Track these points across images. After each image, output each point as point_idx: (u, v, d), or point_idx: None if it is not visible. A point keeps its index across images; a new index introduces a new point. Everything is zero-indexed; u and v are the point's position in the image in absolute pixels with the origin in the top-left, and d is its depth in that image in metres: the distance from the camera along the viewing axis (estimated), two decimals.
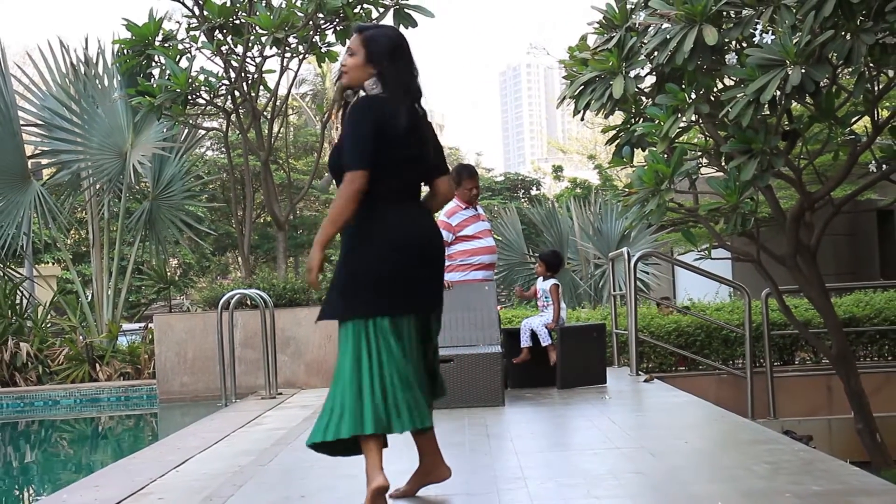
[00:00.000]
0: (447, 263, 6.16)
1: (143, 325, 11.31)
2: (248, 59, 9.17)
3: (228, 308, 7.05)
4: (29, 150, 11.58)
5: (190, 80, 8.60)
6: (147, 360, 9.83)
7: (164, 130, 11.13)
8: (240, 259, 13.87)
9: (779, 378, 7.83)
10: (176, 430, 5.87)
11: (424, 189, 3.40)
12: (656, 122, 5.11)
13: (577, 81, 5.53)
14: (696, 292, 10.78)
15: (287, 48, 8.94)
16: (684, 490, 3.31)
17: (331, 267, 3.82)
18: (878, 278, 13.29)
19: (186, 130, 11.62)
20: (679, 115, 5.03)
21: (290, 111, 22.38)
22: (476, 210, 6.67)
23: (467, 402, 5.64)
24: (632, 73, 5.31)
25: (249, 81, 9.34)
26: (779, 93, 4.58)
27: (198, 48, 9.07)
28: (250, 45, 9.00)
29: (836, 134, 5.52)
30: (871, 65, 5.05)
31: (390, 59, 3.20)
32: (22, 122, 11.24)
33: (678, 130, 5.15)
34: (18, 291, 10.78)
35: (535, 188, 28.73)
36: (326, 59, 9.38)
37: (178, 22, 10.69)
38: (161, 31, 9.06)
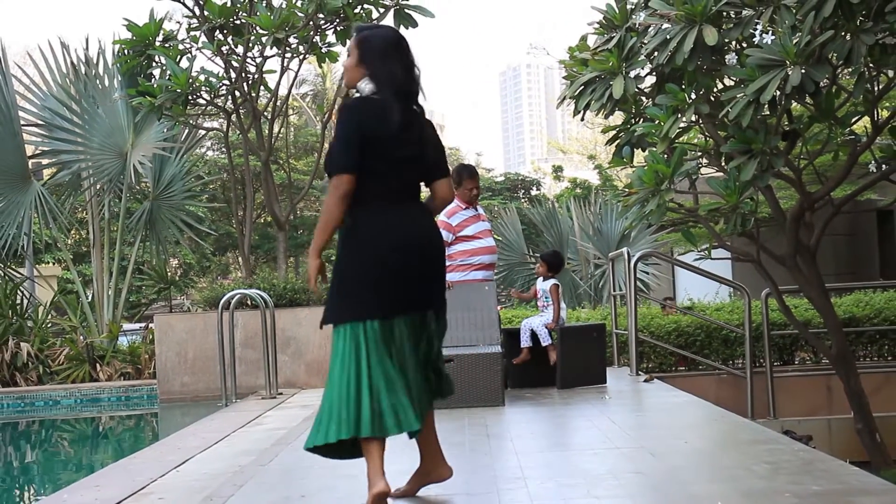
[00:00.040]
0: (447, 263, 6.17)
1: (143, 325, 11.32)
2: (248, 60, 9.18)
3: (229, 308, 7.06)
4: (29, 150, 11.59)
5: (190, 81, 8.61)
6: (147, 360, 9.83)
7: (165, 130, 11.13)
8: (240, 259, 13.88)
9: (779, 378, 7.83)
10: (176, 430, 5.87)
11: (425, 191, 3.40)
12: (656, 122, 5.11)
13: (577, 82, 5.53)
14: (696, 292, 10.78)
15: (287, 48, 8.95)
16: (684, 490, 3.32)
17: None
18: (878, 278, 13.30)
19: (187, 130, 11.63)
20: (679, 116, 5.04)
21: (290, 111, 22.38)
22: (476, 210, 6.67)
23: (467, 402, 5.64)
24: (632, 74, 5.32)
25: (250, 82, 9.35)
26: (779, 93, 4.58)
27: (198, 48, 9.08)
28: (251, 45, 9.01)
29: (835, 134, 5.53)
30: (871, 65, 5.05)
31: (382, 58, 3.18)
32: (22, 122, 11.25)
33: (678, 131, 5.16)
34: (19, 291, 10.78)
35: (535, 188, 28.74)
36: (327, 59, 9.39)
37: (178, 22, 10.75)
38: (162, 32, 9.07)
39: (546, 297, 6.72)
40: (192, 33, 9.04)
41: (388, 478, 3.04)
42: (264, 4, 8.87)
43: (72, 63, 11.07)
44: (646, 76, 5.56)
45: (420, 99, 3.29)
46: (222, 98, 9.33)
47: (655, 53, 5.06)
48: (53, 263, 17.66)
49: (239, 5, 8.93)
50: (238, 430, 5.45)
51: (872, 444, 6.14)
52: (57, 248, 15.30)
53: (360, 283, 3.12)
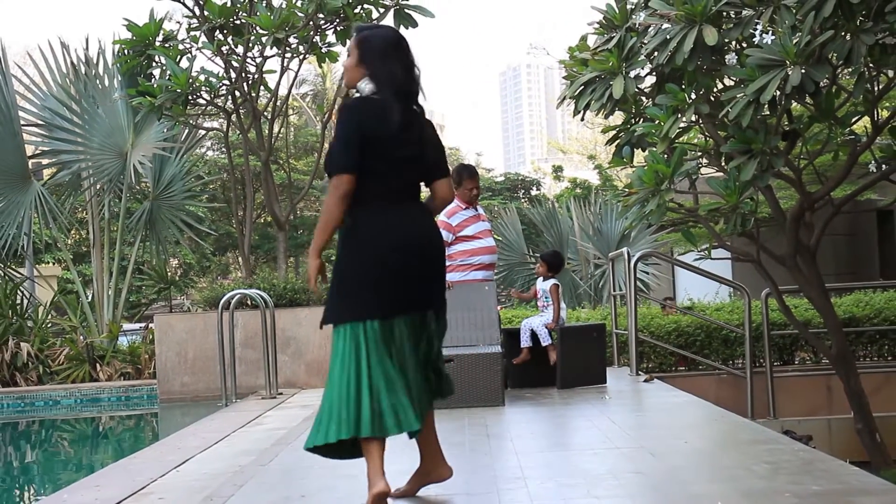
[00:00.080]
0: (447, 263, 6.17)
1: (143, 325, 11.32)
2: (248, 60, 9.18)
3: (229, 308, 7.06)
4: (29, 150, 11.59)
5: (190, 81, 8.61)
6: (147, 360, 9.83)
7: (165, 130, 11.14)
8: (240, 259, 13.88)
9: (779, 378, 7.84)
10: (176, 430, 5.87)
11: (425, 191, 3.40)
12: (656, 122, 5.11)
13: (577, 82, 5.53)
14: (696, 292, 10.78)
15: (287, 48, 8.95)
16: (684, 490, 3.32)
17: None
18: (878, 278, 13.30)
19: (187, 130, 11.63)
20: (679, 116, 5.04)
21: (290, 111, 22.39)
22: (476, 210, 6.67)
23: (467, 402, 5.64)
24: (632, 74, 5.32)
25: (250, 82, 9.35)
26: (779, 93, 4.58)
27: (198, 48, 9.09)
28: (251, 45, 9.01)
29: (835, 134, 5.53)
30: (871, 65, 5.05)
31: (382, 59, 3.18)
32: (22, 122, 11.25)
33: (678, 131, 5.16)
34: (19, 291, 10.78)
35: (535, 188, 28.76)
36: (327, 59, 9.39)
37: (178, 22, 10.75)
38: (162, 32, 9.07)
39: (546, 297, 6.72)
40: (192, 33, 9.05)
41: (388, 478, 3.04)
42: (264, 4, 8.87)
43: (72, 63, 11.07)
44: (646, 76, 5.56)
45: (420, 99, 3.27)
46: (222, 98, 9.33)
47: (655, 53, 5.06)
48: (53, 263, 17.67)
49: (239, 5, 8.93)
50: (238, 430, 5.45)
51: (872, 444, 6.14)
52: (57, 248, 15.30)
53: (360, 284, 3.11)
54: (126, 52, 9.23)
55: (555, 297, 6.66)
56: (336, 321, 3.13)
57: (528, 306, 10.47)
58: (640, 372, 7.27)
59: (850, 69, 4.92)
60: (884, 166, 5.67)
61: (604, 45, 5.48)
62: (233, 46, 9.13)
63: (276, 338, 7.28)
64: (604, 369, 6.73)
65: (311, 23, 8.65)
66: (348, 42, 3.47)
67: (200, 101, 9.19)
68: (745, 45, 5.10)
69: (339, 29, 8.95)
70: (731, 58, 5.33)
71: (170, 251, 13.81)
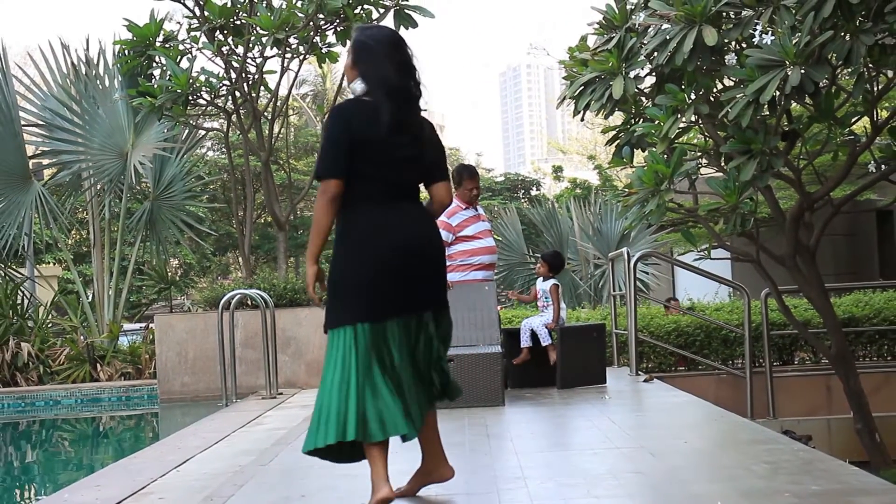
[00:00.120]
0: (447, 263, 6.17)
1: (143, 325, 11.33)
2: (248, 60, 9.19)
3: (229, 308, 7.06)
4: (30, 150, 11.60)
5: (191, 81, 8.62)
6: (148, 360, 9.84)
7: (165, 131, 11.14)
8: (240, 259, 13.89)
9: (778, 378, 7.84)
10: (176, 429, 5.88)
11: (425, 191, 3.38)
12: (656, 122, 5.12)
13: (577, 82, 5.53)
14: (696, 292, 10.79)
15: (287, 49, 8.96)
16: (684, 490, 3.32)
17: None
18: (878, 278, 13.31)
19: (187, 131, 11.63)
20: (679, 116, 5.04)
21: (290, 112, 22.40)
22: (476, 210, 6.68)
23: (467, 402, 5.64)
24: (631, 74, 5.32)
25: (250, 82, 9.36)
26: (778, 93, 4.59)
27: (198, 49, 9.09)
28: (251, 45, 9.02)
29: (835, 134, 5.53)
30: (871, 65, 5.06)
31: (373, 59, 3.15)
32: (23, 123, 11.26)
33: (678, 131, 5.16)
34: (19, 291, 10.79)
35: (535, 188, 28.79)
36: (327, 59, 9.40)
37: (178, 23, 10.77)
38: (162, 32, 9.08)
39: (546, 298, 6.73)
40: (193, 34, 9.05)
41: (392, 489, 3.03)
42: (264, 5, 8.88)
43: (72, 63, 11.08)
44: (645, 76, 5.57)
45: (421, 98, 3.23)
46: (222, 98, 9.34)
47: (655, 54, 5.06)
48: (54, 263, 17.67)
49: (239, 6, 8.94)
50: (238, 429, 5.45)
51: (872, 443, 6.14)
52: (57, 248, 15.31)
53: (351, 287, 3.09)
54: (126, 52, 9.24)
55: (555, 297, 6.66)
56: (329, 325, 3.12)
57: (529, 306, 10.48)
58: (639, 372, 7.27)
59: (849, 69, 4.92)
60: (883, 166, 5.67)
61: (604, 46, 5.48)
62: (233, 47, 9.14)
63: (276, 338, 7.29)
64: (604, 369, 6.74)
65: (311, 23, 8.65)
66: (348, 42, 3.47)
67: (201, 101, 9.19)
68: (744, 45, 5.11)
69: (339, 29, 8.96)
70: (730, 58, 5.34)
71: (170, 251, 13.82)
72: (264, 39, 8.72)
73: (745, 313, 7.73)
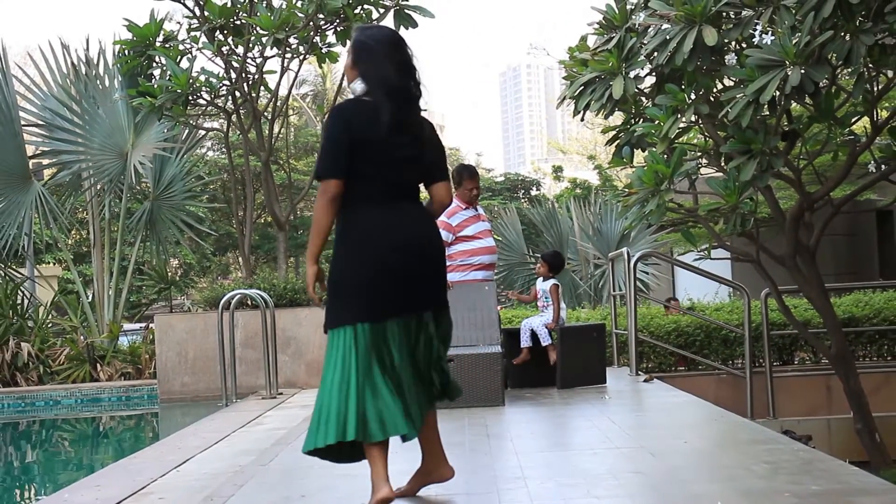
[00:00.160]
0: (447, 263, 6.17)
1: (143, 325, 11.33)
2: (248, 60, 9.19)
3: (229, 308, 7.06)
4: (30, 150, 11.60)
5: (191, 81, 8.62)
6: (148, 360, 9.84)
7: (165, 131, 11.15)
8: (240, 259, 13.89)
9: (778, 378, 7.84)
10: (176, 429, 5.88)
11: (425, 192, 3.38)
12: (656, 122, 5.12)
13: (577, 82, 5.53)
14: (696, 292, 10.79)
15: (287, 49, 8.96)
16: (684, 490, 3.32)
17: None
18: (878, 278, 13.31)
19: (187, 131, 11.64)
20: (679, 116, 5.04)
21: (290, 112, 22.40)
22: (476, 210, 6.68)
23: (467, 402, 5.64)
24: (631, 74, 5.32)
25: (250, 82, 9.36)
26: (778, 93, 4.59)
27: (198, 49, 9.10)
28: (251, 45, 9.02)
29: (835, 134, 5.53)
30: (871, 65, 5.06)
31: (373, 59, 3.15)
32: (23, 123, 11.26)
33: (678, 131, 5.16)
34: (19, 291, 10.79)
35: (535, 188, 28.80)
36: (327, 59, 9.40)
37: (178, 23, 10.77)
38: (162, 32, 9.09)
39: (546, 298, 6.73)
40: (193, 34, 9.05)
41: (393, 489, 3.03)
42: (264, 5, 8.88)
43: (72, 63, 11.08)
44: (645, 76, 5.57)
45: (421, 98, 3.22)
46: (222, 98, 9.34)
47: (655, 54, 5.06)
48: (54, 263, 17.68)
49: (239, 6, 8.94)
50: (238, 429, 5.45)
51: (872, 443, 6.14)
52: (57, 248, 15.31)
53: (350, 287, 3.09)
54: (126, 52, 9.24)
55: (555, 297, 6.67)
56: (329, 325, 3.12)
57: (529, 306, 10.48)
58: (639, 372, 7.27)
59: (849, 69, 4.92)
60: (883, 166, 5.67)
61: (603, 46, 5.48)
62: (233, 47, 9.14)
63: (276, 338, 7.29)
64: (603, 369, 6.74)
65: (311, 23, 8.65)
66: (348, 42, 3.47)
67: (201, 101, 9.20)
68: (744, 45, 5.11)
69: (339, 29, 8.96)
70: (730, 58, 5.34)
71: (170, 251, 13.82)
72: (264, 39, 8.73)
73: (745, 313, 7.73)
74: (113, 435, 8.41)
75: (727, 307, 8.86)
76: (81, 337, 10.55)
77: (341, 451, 3.11)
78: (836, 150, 5.71)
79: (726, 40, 4.93)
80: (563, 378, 6.50)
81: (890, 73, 5.36)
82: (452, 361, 5.63)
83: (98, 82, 11.16)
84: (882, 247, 14.73)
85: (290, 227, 11.14)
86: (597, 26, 5.65)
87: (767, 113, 4.93)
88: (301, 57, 9.28)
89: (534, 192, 28.13)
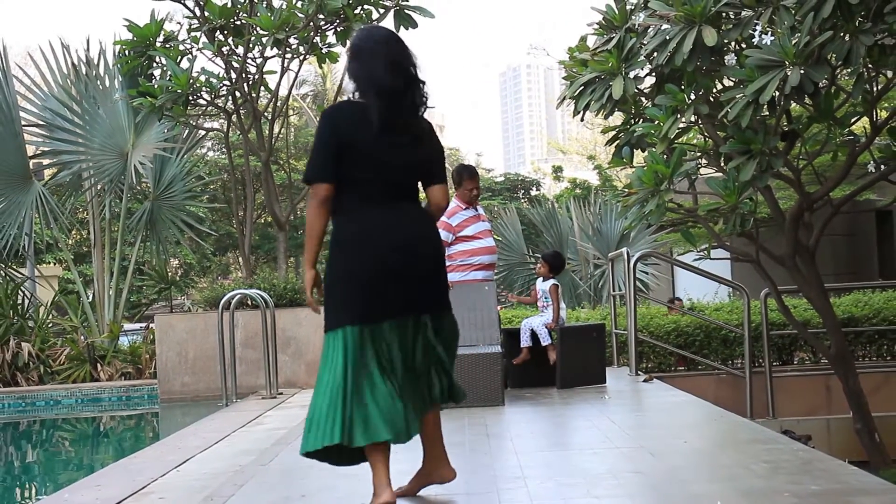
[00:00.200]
0: (447, 264, 6.18)
1: (144, 325, 11.33)
2: (248, 60, 9.19)
3: (229, 308, 7.07)
4: (30, 150, 11.61)
5: (191, 81, 8.63)
6: (148, 360, 9.85)
7: (165, 131, 11.15)
8: (240, 259, 13.89)
9: (778, 378, 7.85)
10: (177, 429, 5.88)
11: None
12: (656, 122, 5.12)
13: (576, 82, 5.54)
14: (696, 292, 10.80)
15: (288, 49, 8.97)
16: (684, 489, 3.33)
17: None
18: (877, 278, 13.32)
19: (187, 131, 11.64)
20: (678, 116, 5.05)
21: (290, 112, 22.40)
22: (476, 210, 6.68)
23: (467, 402, 5.61)
24: (631, 74, 5.32)
25: (250, 82, 9.36)
26: (778, 93, 4.59)
27: (199, 49, 9.10)
28: (251, 45, 9.02)
29: (834, 134, 5.54)
30: (870, 66, 5.06)
31: (362, 59, 3.12)
32: (23, 123, 11.26)
33: (677, 131, 5.17)
34: (20, 291, 10.79)
35: (534, 189, 28.80)
36: (327, 59, 9.40)
37: (179, 23, 10.76)
38: (162, 32, 9.09)
39: (546, 298, 6.73)
40: (193, 34, 9.06)
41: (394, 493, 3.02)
42: (265, 5, 8.89)
43: (73, 64, 11.08)
44: (645, 77, 5.57)
45: (419, 98, 3.16)
46: (223, 98, 9.35)
47: (655, 54, 5.07)
48: (54, 263, 17.69)
49: (239, 6, 8.95)
50: (238, 429, 5.46)
51: (871, 443, 6.15)
52: (58, 248, 15.32)
53: (345, 289, 3.07)
54: (127, 52, 9.25)
55: (554, 297, 6.67)
56: (325, 328, 3.12)
57: (528, 306, 10.49)
58: (639, 372, 7.28)
59: (849, 70, 4.93)
60: (882, 167, 5.67)
61: (603, 46, 5.49)
62: (233, 47, 9.15)
63: (276, 338, 7.30)
64: (603, 369, 6.74)
65: (311, 23, 8.66)
66: (348, 43, 3.47)
67: (201, 101, 9.20)
68: (744, 45, 5.11)
69: (339, 30, 8.97)
70: (730, 58, 5.33)
71: (170, 251, 13.83)
72: (264, 40, 8.73)
73: (744, 313, 7.73)
74: (113, 435, 8.42)
75: (727, 307, 8.87)
76: (82, 337, 10.56)
77: (341, 454, 3.10)
78: (836, 150, 5.72)
79: (726, 40, 4.93)
80: (563, 378, 6.50)
81: (889, 74, 5.37)
82: None
83: (98, 82, 11.17)
84: (881, 247, 14.74)
85: (290, 227, 11.14)
86: (596, 26, 5.65)
87: (767, 113, 4.94)
88: (301, 57, 9.29)
89: (534, 193, 28.14)
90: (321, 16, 8.63)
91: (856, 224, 14.63)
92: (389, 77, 3.08)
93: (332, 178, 3.07)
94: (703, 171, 6.30)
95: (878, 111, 5.57)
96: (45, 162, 11.73)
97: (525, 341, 6.64)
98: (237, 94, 9.33)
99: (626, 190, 5.46)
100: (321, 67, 25.74)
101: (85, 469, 6.37)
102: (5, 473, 6.78)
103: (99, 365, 10.07)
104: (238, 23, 8.96)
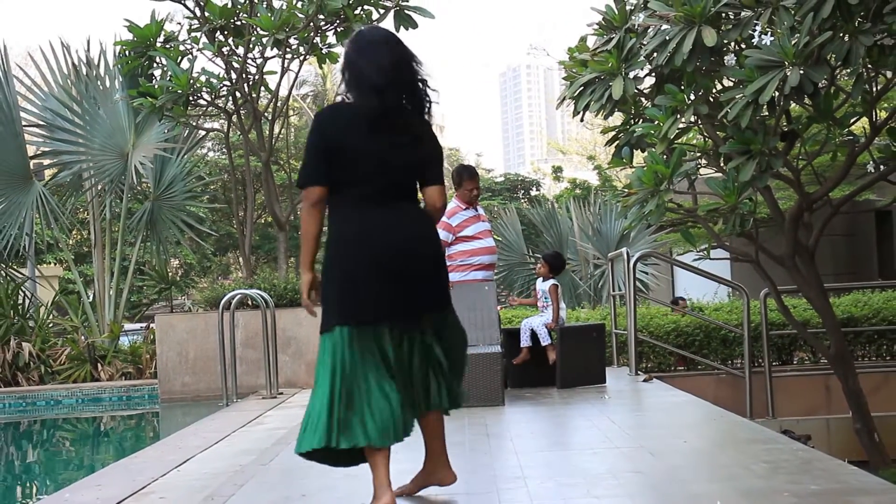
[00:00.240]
0: (447, 264, 6.18)
1: (144, 325, 11.34)
2: (249, 61, 9.20)
3: (229, 308, 7.08)
4: (31, 150, 11.61)
5: (191, 82, 8.63)
6: (148, 360, 9.85)
7: (166, 131, 11.16)
8: (241, 259, 13.90)
9: (777, 378, 7.85)
10: (177, 429, 5.89)
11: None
12: (655, 123, 5.13)
13: (576, 82, 5.54)
14: (695, 292, 10.80)
15: (288, 49, 8.97)
16: (683, 489, 3.33)
17: None
18: (877, 278, 13.32)
19: (188, 131, 11.65)
20: (678, 116, 5.05)
21: (290, 112, 22.40)
22: (476, 210, 6.69)
23: (467, 402, 5.64)
24: (631, 75, 5.32)
25: (250, 82, 9.37)
26: (777, 94, 4.59)
27: (199, 49, 9.11)
28: (251, 46, 9.03)
29: (834, 135, 5.54)
30: (870, 66, 5.07)
31: (352, 60, 3.11)
32: (24, 123, 11.27)
33: (677, 131, 5.17)
34: (21, 291, 10.81)
35: (534, 189, 28.82)
36: (327, 60, 9.41)
37: (179, 23, 10.75)
38: (162, 33, 9.10)
39: (546, 298, 6.74)
40: (193, 34, 9.07)
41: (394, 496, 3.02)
42: (265, 5, 8.89)
43: (73, 64, 11.09)
44: (645, 77, 5.57)
45: (419, 98, 3.15)
46: (223, 99, 9.36)
47: (654, 54, 5.07)
48: (55, 264, 17.69)
49: (239, 6, 8.96)
50: (239, 429, 5.46)
51: (871, 443, 6.15)
52: (58, 248, 15.33)
53: (339, 291, 3.06)
54: (127, 53, 9.26)
55: (554, 297, 6.68)
56: (320, 329, 3.11)
57: (529, 307, 10.49)
58: (639, 372, 7.29)
59: (848, 70, 4.93)
60: (882, 167, 5.67)
61: (603, 46, 5.49)
62: (233, 47, 9.15)
63: (276, 338, 7.30)
64: (603, 369, 6.75)
65: (311, 24, 8.67)
66: (344, 45, 3.46)
67: (201, 101, 9.21)
68: (743, 46, 5.11)
69: (339, 30, 8.98)
70: (729, 59, 5.33)
71: (171, 251, 13.84)
72: (264, 40, 8.74)
73: (744, 313, 7.74)
74: (114, 434, 8.42)
75: (726, 307, 8.87)
76: (82, 337, 10.57)
77: (339, 455, 3.08)
78: (835, 150, 5.72)
79: (725, 41, 4.94)
80: (563, 378, 6.51)
81: (889, 74, 5.37)
82: None
83: (99, 83, 11.17)
84: (881, 247, 14.74)
85: (290, 227, 11.15)
86: (596, 27, 5.66)
87: (766, 113, 4.94)
88: (301, 57, 9.29)
89: (533, 193, 28.15)
90: (321, 16, 8.63)
91: (855, 224, 14.64)
92: (382, 78, 3.04)
93: (323, 180, 3.07)
94: (702, 171, 6.30)
95: (878, 111, 5.58)
96: (46, 162, 11.74)
97: (525, 341, 6.64)
98: (237, 94, 9.34)
99: (626, 190, 5.46)
100: (321, 68, 25.73)
101: (85, 469, 6.37)
102: (6, 473, 6.78)
103: (99, 365, 10.08)
104: (238, 23, 8.97)
